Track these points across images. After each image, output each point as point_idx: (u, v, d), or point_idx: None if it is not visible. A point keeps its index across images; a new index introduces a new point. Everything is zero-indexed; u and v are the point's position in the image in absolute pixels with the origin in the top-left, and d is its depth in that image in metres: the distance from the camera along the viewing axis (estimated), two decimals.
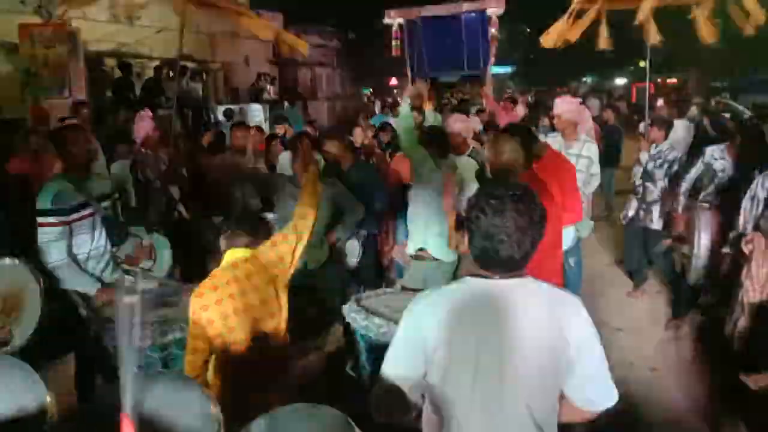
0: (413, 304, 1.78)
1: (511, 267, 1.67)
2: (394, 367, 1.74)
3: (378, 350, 3.06)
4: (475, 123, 5.73)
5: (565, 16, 5.71)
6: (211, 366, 2.51)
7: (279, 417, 1.54)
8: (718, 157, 4.80)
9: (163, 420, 1.49)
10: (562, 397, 1.74)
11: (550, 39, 5.88)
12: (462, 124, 5.15)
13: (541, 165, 3.62)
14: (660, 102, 9.27)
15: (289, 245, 2.67)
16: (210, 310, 2.37)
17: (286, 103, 12.50)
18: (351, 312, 3.32)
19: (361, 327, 3.17)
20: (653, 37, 5.37)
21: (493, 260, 1.66)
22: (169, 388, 1.59)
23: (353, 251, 4.81)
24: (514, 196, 1.65)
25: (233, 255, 2.54)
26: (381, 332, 3.07)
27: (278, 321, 2.58)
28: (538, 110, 8.22)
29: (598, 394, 1.72)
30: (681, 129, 6.96)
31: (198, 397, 1.60)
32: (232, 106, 10.51)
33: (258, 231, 2.66)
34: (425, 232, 4.14)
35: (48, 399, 1.60)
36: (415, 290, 4.17)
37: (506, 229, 1.61)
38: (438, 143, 4.26)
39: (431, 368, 1.68)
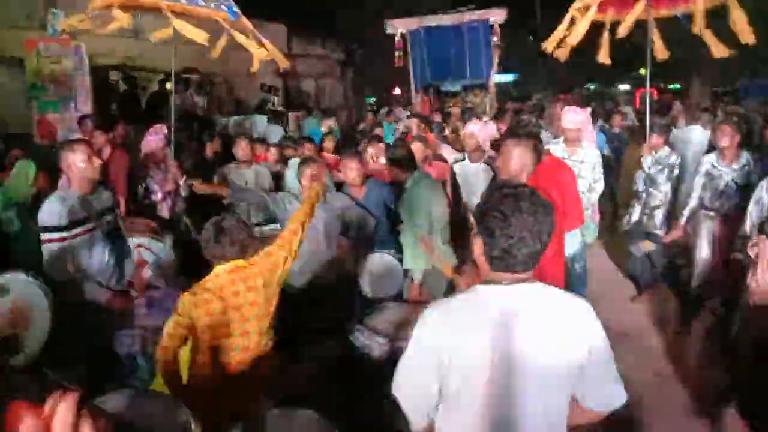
0: (425, 314, 1.76)
1: (532, 264, 1.69)
2: (407, 377, 1.74)
3: (383, 366, 3.07)
4: (491, 130, 5.60)
5: (565, 22, 5.77)
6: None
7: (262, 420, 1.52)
8: (713, 166, 4.84)
9: None
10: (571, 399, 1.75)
11: (551, 44, 5.95)
12: (473, 128, 5.14)
13: (540, 171, 3.63)
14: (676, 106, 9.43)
15: (281, 256, 2.89)
16: (199, 307, 2.54)
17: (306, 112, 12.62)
18: (354, 331, 3.31)
19: (364, 346, 3.17)
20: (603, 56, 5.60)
21: (515, 259, 1.66)
22: (143, 402, 1.57)
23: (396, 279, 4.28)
24: (525, 192, 1.68)
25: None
26: (384, 350, 3.07)
27: (264, 324, 2.76)
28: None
29: (608, 396, 1.75)
30: (697, 133, 7.02)
31: (173, 410, 1.57)
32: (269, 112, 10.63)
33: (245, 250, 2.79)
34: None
35: None
36: (416, 303, 4.19)
37: (527, 224, 1.64)
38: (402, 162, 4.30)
39: (446, 377, 1.68)
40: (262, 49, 5.71)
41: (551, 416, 1.69)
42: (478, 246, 1.74)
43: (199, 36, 5.38)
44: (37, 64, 8.01)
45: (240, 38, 5.62)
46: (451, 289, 4.15)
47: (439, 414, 1.75)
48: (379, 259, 4.32)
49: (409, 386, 1.73)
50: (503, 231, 1.65)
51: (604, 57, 5.79)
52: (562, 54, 5.98)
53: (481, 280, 1.78)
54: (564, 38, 5.76)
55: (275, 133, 9.23)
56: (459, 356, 1.65)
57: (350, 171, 4.45)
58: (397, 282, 4.23)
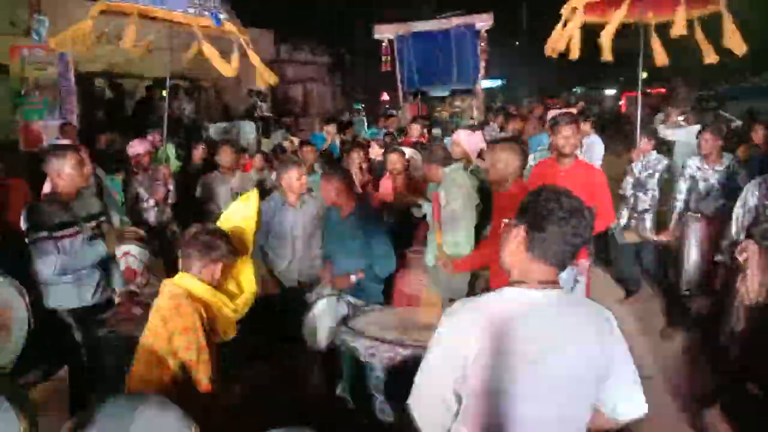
0: (452, 311, 1.74)
1: (569, 264, 1.74)
2: (429, 377, 1.72)
3: (370, 371, 3.01)
4: (479, 139, 5.55)
5: (559, 26, 5.71)
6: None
7: None
8: (697, 168, 4.93)
9: None
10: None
11: (549, 48, 5.83)
12: (460, 137, 5.13)
13: (568, 174, 3.80)
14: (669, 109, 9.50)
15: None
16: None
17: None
18: (339, 334, 3.25)
19: (350, 348, 3.10)
20: (606, 53, 5.36)
21: (562, 264, 1.70)
22: (147, 413, 1.54)
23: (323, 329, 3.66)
24: (579, 200, 1.70)
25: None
26: (369, 354, 3.00)
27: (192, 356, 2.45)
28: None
29: (630, 405, 1.75)
30: (686, 135, 7.06)
31: (177, 421, 1.54)
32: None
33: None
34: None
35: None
36: (400, 307, 4.13)
37: (585, 230, 1.68)
38: None
39: (469, 378, 1.65)
40: (227, 66, 5.42)
41: (577, 423, 1.68)
42: (519, 237, 1.72)
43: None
44: (21, 70, 7.93)
45: (210, 53, 5.24)
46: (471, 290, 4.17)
47: (459, 416, 1.71)
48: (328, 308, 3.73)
49: (429, 389, 1.71)
50: (561, 234, 1.66)
51: (607, 54, 5.62)
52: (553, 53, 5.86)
53: (509, 281, 1.77)
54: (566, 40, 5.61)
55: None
56: (484, 359, 1.62)
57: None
58: None
